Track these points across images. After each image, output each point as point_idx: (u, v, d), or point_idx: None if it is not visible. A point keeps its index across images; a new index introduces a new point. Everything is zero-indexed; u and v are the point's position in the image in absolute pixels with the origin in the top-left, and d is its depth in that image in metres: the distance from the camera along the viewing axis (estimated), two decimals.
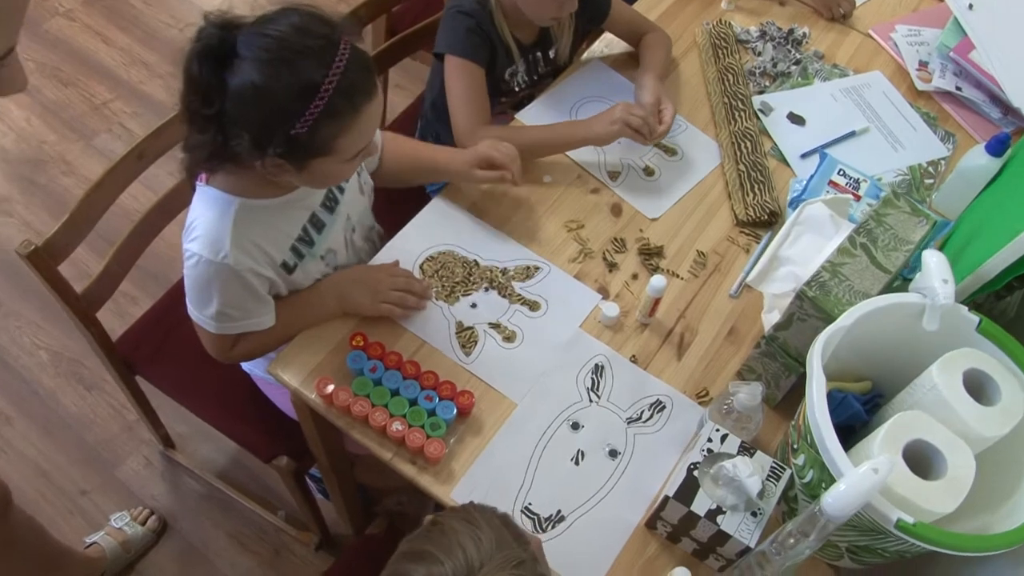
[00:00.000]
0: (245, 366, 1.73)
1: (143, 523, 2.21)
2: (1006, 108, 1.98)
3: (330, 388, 1.37)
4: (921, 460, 1.14)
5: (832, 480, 1.13)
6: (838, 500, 1.03)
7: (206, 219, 1.30)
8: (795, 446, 1.26)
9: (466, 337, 1.51)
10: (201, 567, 2.21)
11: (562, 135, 1.74)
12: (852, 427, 1.33)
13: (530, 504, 1.37)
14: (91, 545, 2.12)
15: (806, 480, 1.23)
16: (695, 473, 1.25)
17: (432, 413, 1.39)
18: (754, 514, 1.22)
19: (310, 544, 2.27)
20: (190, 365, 1.75)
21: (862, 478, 1.03)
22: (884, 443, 1.12)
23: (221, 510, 2.30)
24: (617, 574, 1.33)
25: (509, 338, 1.52)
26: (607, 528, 1.36)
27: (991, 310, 1.45)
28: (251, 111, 1.15)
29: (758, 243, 1.70)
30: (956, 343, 1.23)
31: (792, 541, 1.10)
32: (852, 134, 1.91)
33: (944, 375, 1.18)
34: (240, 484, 2.32)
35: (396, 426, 1.37)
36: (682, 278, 1.66)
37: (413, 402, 1.40)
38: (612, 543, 1.35)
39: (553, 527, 1.35)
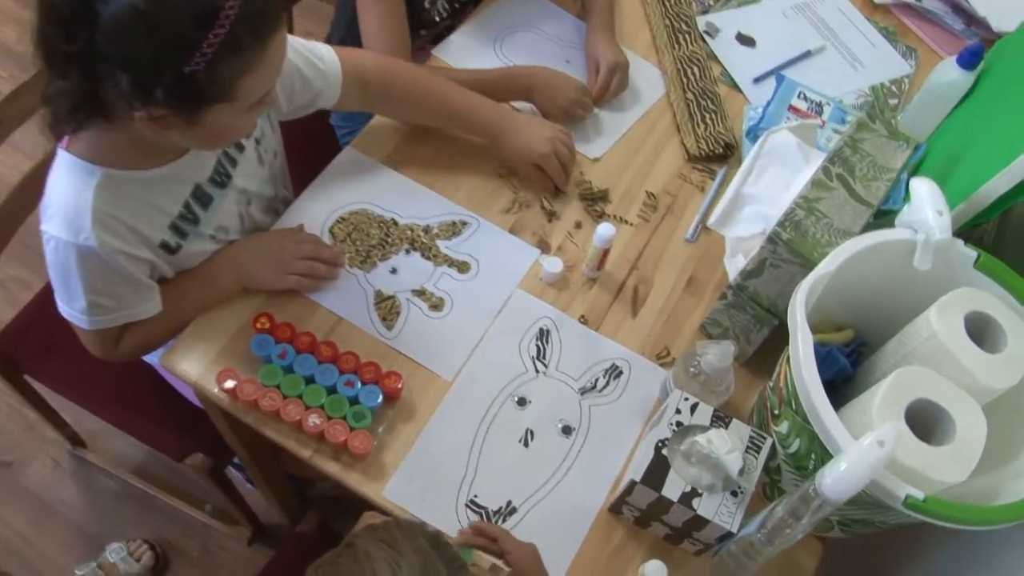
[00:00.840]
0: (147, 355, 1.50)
1: (139, 559, 1.99)
2: (969, 18, 1.82)
3: (230, 384, 1.16)
4: (924, 422, 0.98)
5: (825, 452, 0.97)
6: (839, 482, 0.87)
7: (63, 193, 1.06)
8: (775, 411, 1.10)
9: (387, 308, 1.31)
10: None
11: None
12: (833, 383, 1.17)
13: (476, 497, 1.18)
14: None
15: (792, 450, 1.07)
16: (664, 452, 1.08)
17: (355, 401, 1.20)
18: (734, 493, 1.06)
19: (242, 539, 2.07)
20: (83, 359, 1.52)
21: (865, 453, 0.86)
22: (884, 407, 0.96)
23: (141, 509, 2.09)
24: (582, 567, 1.16)
25: (436, 306, 1.32)
26: (566, 516, 1.19)
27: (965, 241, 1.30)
28: (132, 44, 0.89)
29: (713, 179, 1.52)
30: (950, 283, 1.06)
31: (788, 531, 0.94)
32: (807, 54, 1.73)
33: (943, 320, 1.02)
34: (160, 479, 2.10)
35: (313, 419, 1.17)
36: (631, 224, 1.47)
37: (331, 390, 1.20)
38: (573, 533, 1.18)
39: (504, 520, 1.18)
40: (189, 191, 1.17)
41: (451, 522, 1.16)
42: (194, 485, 2.11)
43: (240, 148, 1.25)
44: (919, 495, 0.90)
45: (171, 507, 2.09)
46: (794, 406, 1.02)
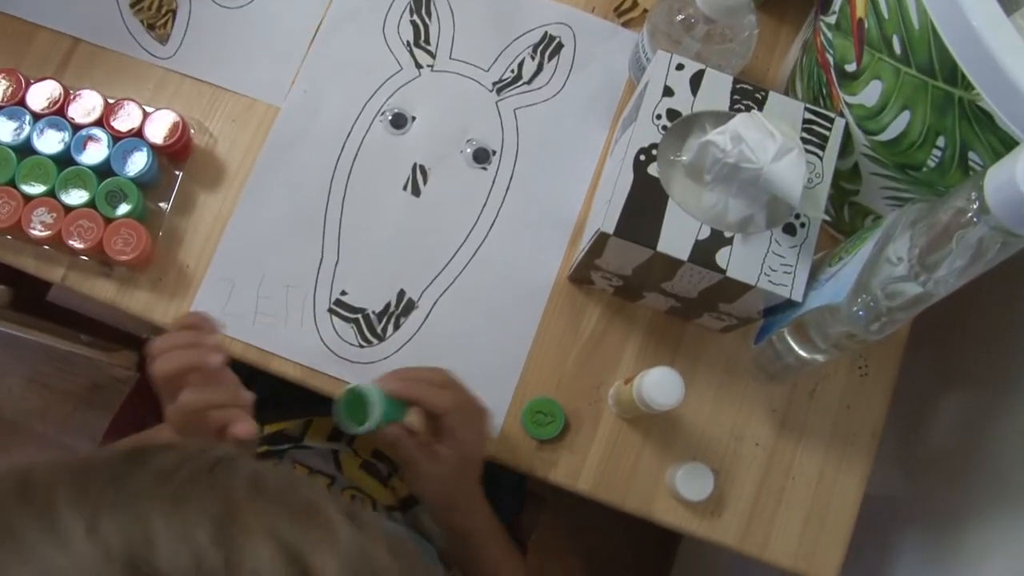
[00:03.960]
0: None
1: None
2: None
3: None
4: None
5: (978, 124, 0.47)
6: None
7: None
8: (847, 67, 0.59)
9: (151, 6, 0.74)
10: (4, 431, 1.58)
11: None
12: None
13: (345, 295, 0.70)
14: None
15: (889, 134, 0.57)
16: (652, 169, 0.58)
17: (105, 172, 0.68)
18: (790, 229, 0.58)
19: (130, 366, 1.62)
20: None
21: None
22: None
23: (4, 352, 1.63)
24: (536, 383, 0.70)
25: None
26: (499, 303, 0.71)
27: None
28: None
29: None
30: None
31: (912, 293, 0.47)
32: None
33: None
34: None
35: (40, 216, 0.67)
36: None
37: (63, 159, 0.68)
38: (514, 329, 0.71)
39: (396, 326, 0.70)
40: None
41: (309, 345, 0.69)
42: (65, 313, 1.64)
43: None
44: None
45: (40, 345, 1.63)
46: (900, 41, 0.51)
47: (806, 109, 0.60)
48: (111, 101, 0.70)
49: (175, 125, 0.70)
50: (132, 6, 0.75)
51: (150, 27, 0.75)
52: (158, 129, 0.70)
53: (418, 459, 0.59)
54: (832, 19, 0.61)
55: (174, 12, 0.76)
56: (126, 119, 0.70)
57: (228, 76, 0.74)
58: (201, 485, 0.32)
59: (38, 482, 0.31)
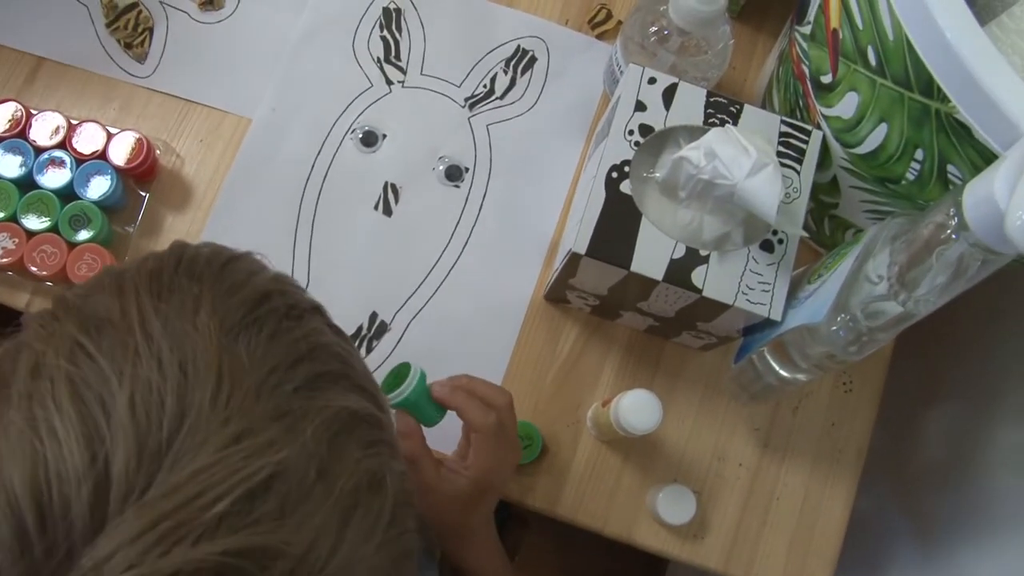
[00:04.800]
0: None
1: None
2: None
3: None
4: None
5: (956, 138, 0.46)
6: None
7: None
8: (823, 78, 0.57)
9: (128, 25, 0.73)
10: None
11: None
12: None
13: None
14: None
15: (866, 147, 0.55)
16: (624, 187, 0.56)
17: (69, 195, 0.66)
18: (767, 246, 0.56)
19: None
20: None
21: None
22: None
23: None
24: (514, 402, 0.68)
25: (212, 0, 0.75)
26: (473, 323, 0.70)
27: None
28: None
29: None
30: None
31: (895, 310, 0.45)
32: None
33: None
34: None
35: (3, 241, 0.67)
36: None
37: (24, 183, 0.66)
38: (489, 349, 0.69)
39: (369, 349, 0.68)
40: None
41: None
42: None
43: None
44: None
45: None
46: (875, 53, 0.50)
47: (782, 122, 0.59)
48: (74, 122, 0.69)
49: (139, 146, 0.68)
50: (108, 25, 0.74)
51: (127, 46, 0.74)
52: (122, 150, 0.68)
53: (424, 464, 0.56)
54: (807, 29, 0.60)
55: (151, 30, 0.74)
56: (89, 141, 0.68)
57: (208, 92, 0.73)
58: None
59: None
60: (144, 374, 0.29)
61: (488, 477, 0.57)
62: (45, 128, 0.68)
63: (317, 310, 0.38)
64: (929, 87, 0.47)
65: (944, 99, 0.46)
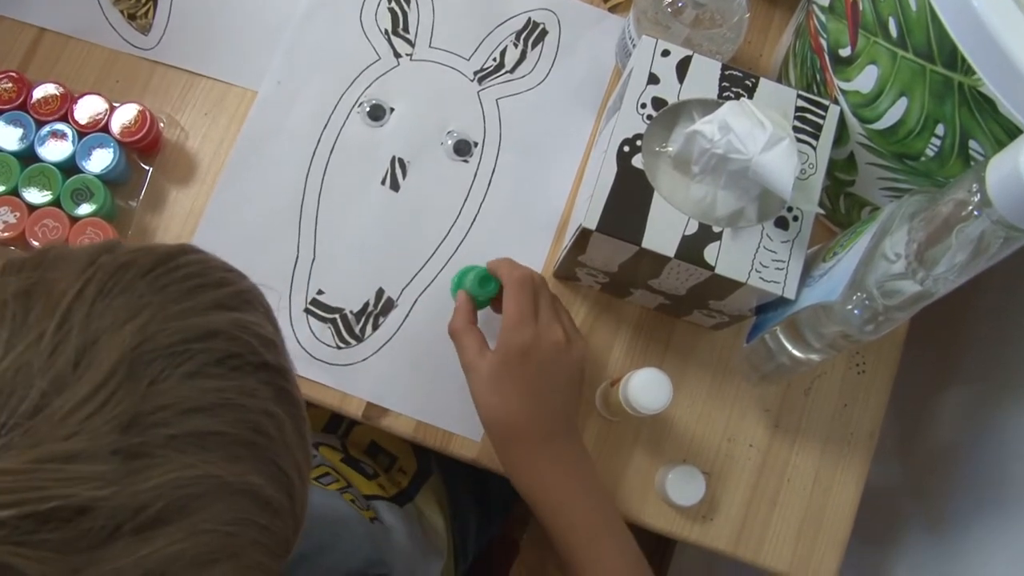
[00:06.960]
0: None
1: None
2: None
3: None
4: None
5: (979, 111, 0.44)
6: None
7: None
8: (841, 51, 0.56)
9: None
10: None
11: None
12: None
13: (321, 293, 0.67)
14: None
15: (885, 122, 0.54)
16: (636, 161, 0.55)
17: (71, 169, 0.65)
18: (782, 223, 0.55)
19: None
20: None
21: None
22: None
23: None
24: None
25: None
26: None
27: None
28: None
29: None
30: None
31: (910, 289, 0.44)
32: None
33: None
34: None
35: (4, 215, 0.67)
36: None
37: (25, 156, 0.65)
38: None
39: (375, 326, 0.67)
40: None
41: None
42: None
43: None
44: None
45: None
46: (897, 24, 0.48)
47: (799, 96, 0.58)
48: (75, 95, 0.68)
49: (142, 118, 0.67)
50: (116, 2, 0.73)
51: (131, 17, 0.72)
52: (124, 123, 0.67)
53: (465, 341, 0.58)
54: (826, 1, 0.58)
55: (155, 1, 0.73)
56: (91, 113, 0.67)
57: (213, 64, 0.72)
58: None
59: None
60: (28, 356, 0.27)
61: (515, 338, 0.56)
62: (47, 100, 0.67)
63: (268, 368, 0.34)
64: (953, 59, 0.45)
65: (968, 71, 0.45)
